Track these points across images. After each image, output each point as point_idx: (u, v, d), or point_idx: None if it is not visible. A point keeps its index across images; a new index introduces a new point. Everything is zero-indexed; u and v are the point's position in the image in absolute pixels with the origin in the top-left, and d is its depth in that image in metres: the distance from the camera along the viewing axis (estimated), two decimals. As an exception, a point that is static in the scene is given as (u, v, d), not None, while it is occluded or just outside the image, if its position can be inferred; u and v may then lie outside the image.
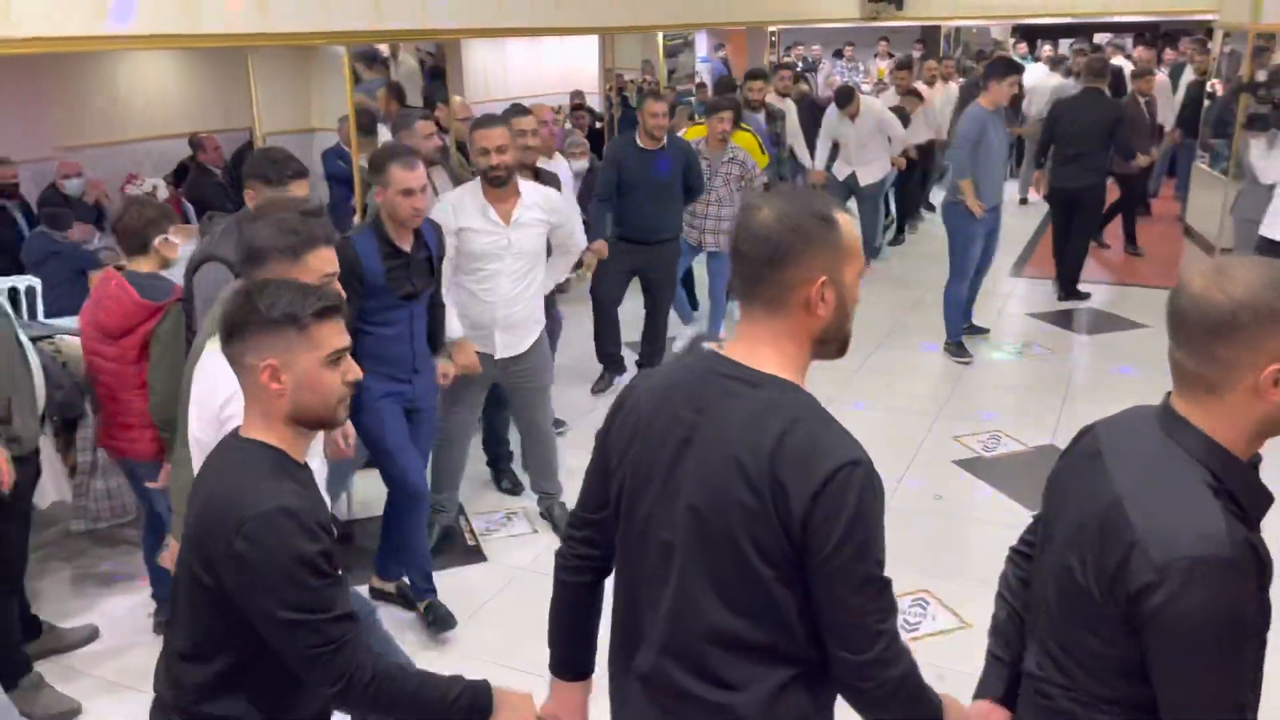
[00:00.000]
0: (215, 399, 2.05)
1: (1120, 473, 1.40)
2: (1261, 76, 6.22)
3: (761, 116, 7.06)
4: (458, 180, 4.91)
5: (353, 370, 1.71)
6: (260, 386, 1.65)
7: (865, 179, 7.61)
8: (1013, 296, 7.36)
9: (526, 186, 3.89)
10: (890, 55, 12.25)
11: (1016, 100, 9.75)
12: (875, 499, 1.42)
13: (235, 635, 1.63)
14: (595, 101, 10.11)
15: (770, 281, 1.45)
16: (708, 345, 6.23)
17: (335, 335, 1.68)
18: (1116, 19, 12.21)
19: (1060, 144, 6.71)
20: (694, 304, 6.88)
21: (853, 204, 7.83)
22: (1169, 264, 7.79)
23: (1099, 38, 15.12)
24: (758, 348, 1.49)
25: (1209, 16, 8.06)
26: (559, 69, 10.92)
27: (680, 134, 6.09)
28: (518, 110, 4.35)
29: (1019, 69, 6.48)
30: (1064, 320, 6.90)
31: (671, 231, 5.51)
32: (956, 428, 5.22)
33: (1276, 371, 1.29)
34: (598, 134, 8.67)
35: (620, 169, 5.32)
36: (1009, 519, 4.29)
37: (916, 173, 8.97)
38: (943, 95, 9.24)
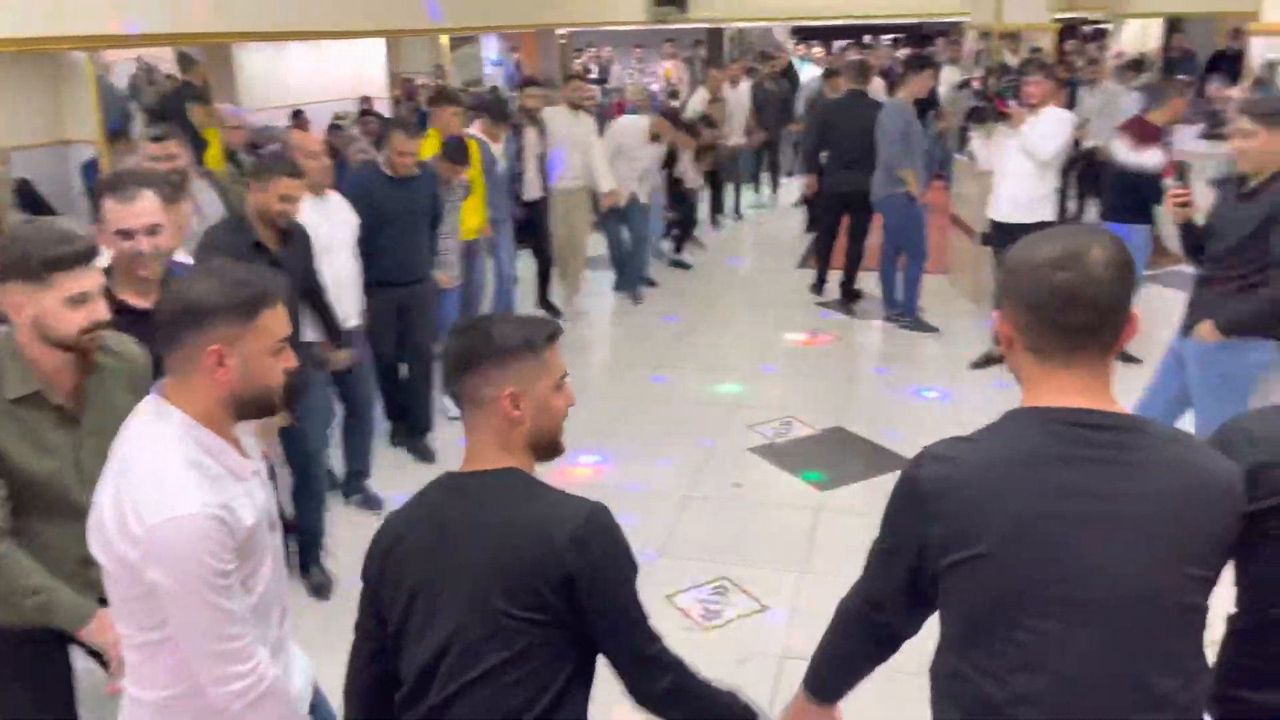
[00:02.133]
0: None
1: None
2: (978, 74, 6.78)
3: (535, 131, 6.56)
4: (227, 196, 4.59)
5: (572, 395, 1.74)
6: (501, 418, 1.65)
7: (644, 195, 7.42)
8: (802, 287, 7.67)
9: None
10: (674, 56, 12.55)
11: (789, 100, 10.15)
12: None
13: (564, 660, 1.64)
14: (384, 107, 9.83)
15: (1116, 327, 1.42)
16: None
17: (559, 359, 1.72)
18: (885, 21, 12.98)
19: (836, 148, 6.98)
20: None
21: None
22: (938, 252, 8.29)
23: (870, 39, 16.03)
24: (1103, 395, 1.44)
25: (963, 19, 8.68)
26: (346, 73, 10.55)
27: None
28: (280, 169, 3.60)
29: (936, 64, 6.84)
30: (849, 308, 7.24)
31: (426, 270, 4.93)
32: (751, 416, 5.38)
33: None
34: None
35: (370, 203, 4.56)
36: (801, 501, 4.48)
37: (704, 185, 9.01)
38: (734, 98, 9.42)
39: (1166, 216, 3.84)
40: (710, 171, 9.10)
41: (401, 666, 1.68)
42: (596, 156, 6.89)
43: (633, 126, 7.27)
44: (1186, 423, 3.82)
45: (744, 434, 5.17)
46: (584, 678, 1.69)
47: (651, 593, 3.67)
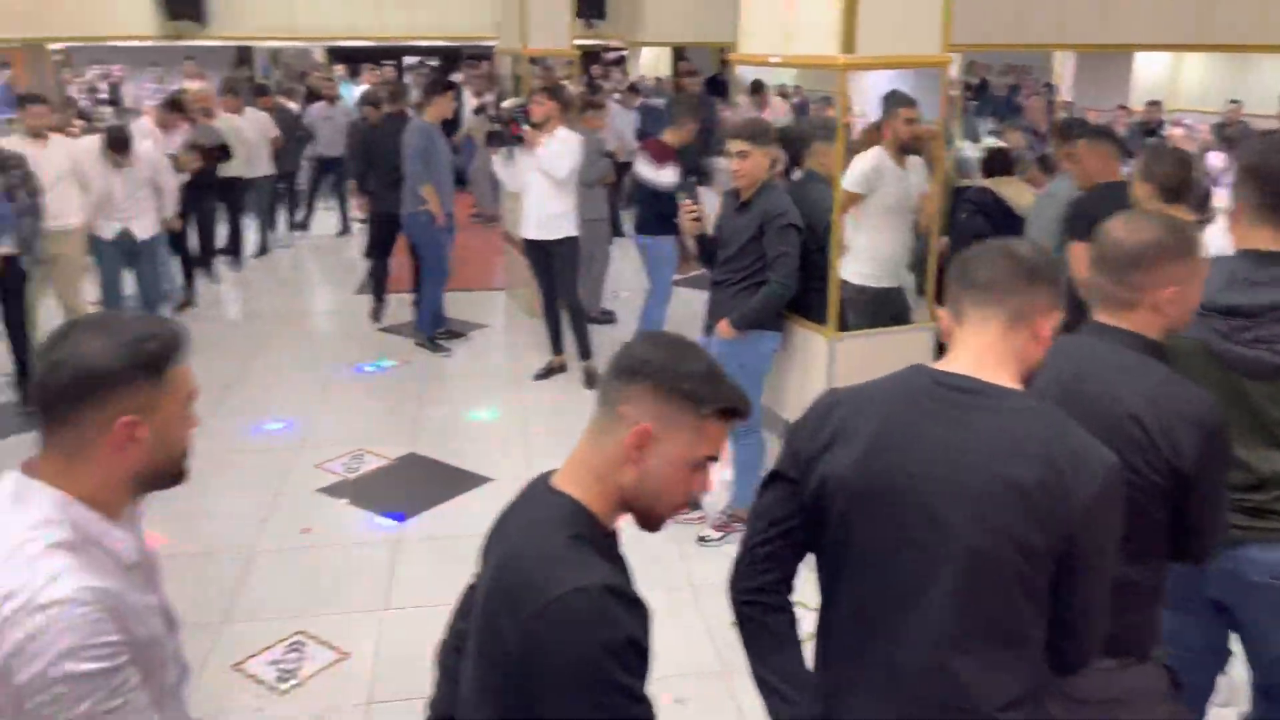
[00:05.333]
0: None
1: None
2: (490, 99, 7.14)
3: None
4: None
5: (705, 484, 1.48)
6: (623, 446, 1.42)
7: (145, 231, 6.45)
8: (362, 315, 7.46)
9: None
10: (200, 77, 11.62)
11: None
12: None
13: None
14: None
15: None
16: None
17: (720, 438, 1.45)
18: (422, 43, 13.08)
19: (378, 171, 6.93)
20: None
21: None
22: (493, 268, 8.53)
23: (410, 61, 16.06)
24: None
25: (493, 42, 8.98)
26: None
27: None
28: None
29: (455, 87, 6.95)
30: (412, 330, 7.16)
31: None
32: (318, 455, 5.12)
33: None
34: None
35: None
36: (379, 537, 4.33)
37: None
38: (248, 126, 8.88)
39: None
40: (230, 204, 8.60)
41: None
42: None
43: (92, 148, 6.23)
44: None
45: (312, 475, 4.89)
46: None
47: (218, 665, 3.35)
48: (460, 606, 1.68)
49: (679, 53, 13.66)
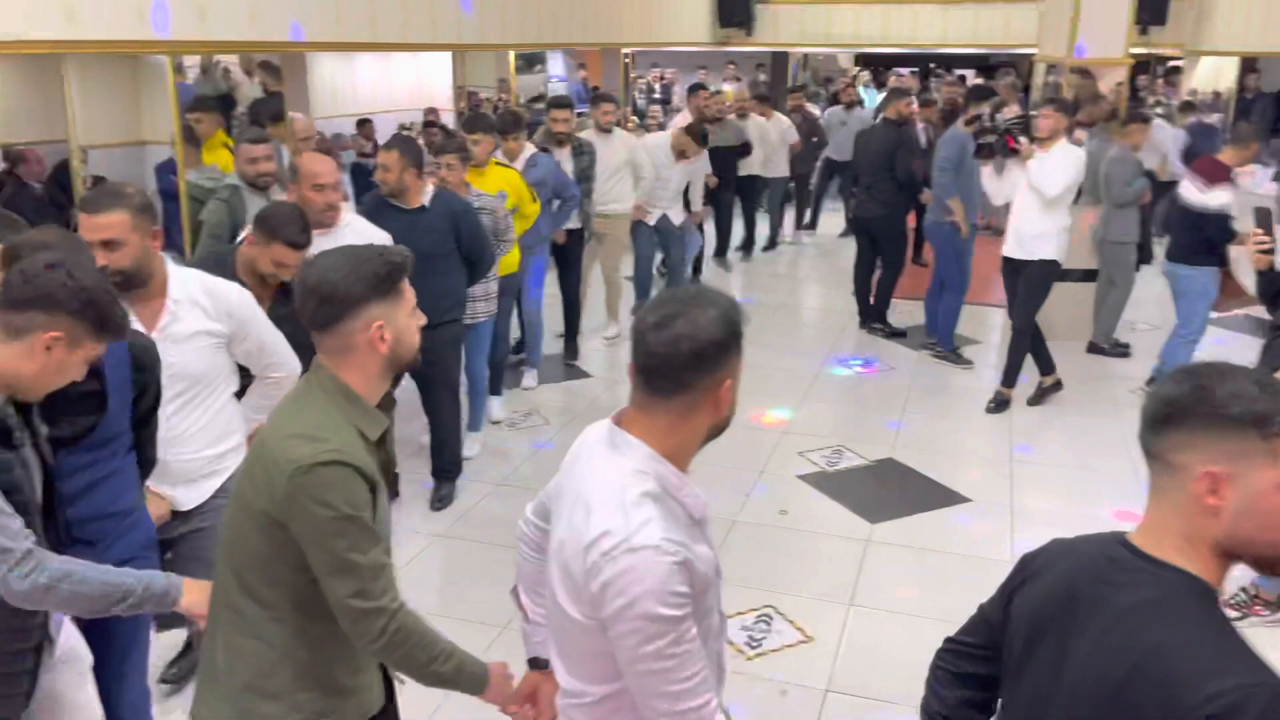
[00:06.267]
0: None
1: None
2: (986, 109, 6.76)
3: (567, 152, 6.15)
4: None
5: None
6: (1193, 497, 1.27)
7: (678, 218, 7.19)
8: (852, 313, 7.60)
9: (183, 276, 2.71)
10: (737, 79, 12.58)
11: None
12: None
13: None
14: (450, 119, 9.97)
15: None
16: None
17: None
18: (952, 50, 12.88)
19: (861, 175, 7.03)
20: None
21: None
22: (994, 283, 8.17)
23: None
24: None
25: (1031, 50, 8.57)
26: (412, 84, 10.74)
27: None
28: (285, 232, 3.17)
29: (994, 94, 7.10)
30: (902, 336, 7.16)
31: (446, 312, 4.41)
32: (801, 443, 5.33)
33: None
34: (449, 152, 8.49)
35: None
36: (849, 532, 4.42)
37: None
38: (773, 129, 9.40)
39: (1241, 259, 3.74)
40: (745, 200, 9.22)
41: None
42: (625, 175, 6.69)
43: (660, 144, 7.02)
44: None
45: (794, 461, 5.12)
46: None
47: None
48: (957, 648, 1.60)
49: (1249, 63, 11.94)
